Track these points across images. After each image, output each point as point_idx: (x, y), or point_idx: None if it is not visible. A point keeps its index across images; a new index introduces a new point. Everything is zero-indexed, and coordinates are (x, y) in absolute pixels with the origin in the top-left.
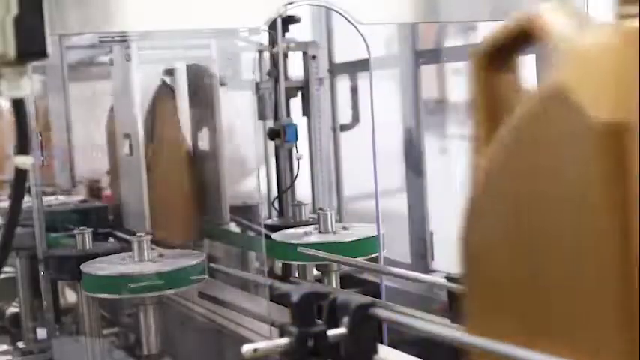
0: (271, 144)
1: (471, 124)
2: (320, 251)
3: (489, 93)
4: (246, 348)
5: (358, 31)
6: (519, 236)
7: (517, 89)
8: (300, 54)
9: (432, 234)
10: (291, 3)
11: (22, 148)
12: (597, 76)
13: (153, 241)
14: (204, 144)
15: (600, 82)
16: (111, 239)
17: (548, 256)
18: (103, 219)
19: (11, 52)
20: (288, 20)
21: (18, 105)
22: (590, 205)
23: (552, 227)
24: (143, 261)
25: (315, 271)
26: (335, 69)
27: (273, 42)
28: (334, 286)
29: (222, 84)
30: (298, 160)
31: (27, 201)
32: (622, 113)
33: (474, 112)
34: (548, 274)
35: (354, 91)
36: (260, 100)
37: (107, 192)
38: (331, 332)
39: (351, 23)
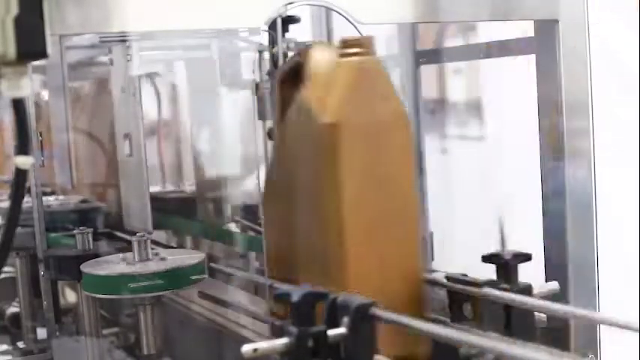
0: (271, 144)
1: (273, 123)
2: None
3: (284, 101)
4: (246, 348)
5: (358, 31)
6: (287, 203)
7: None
8: None
9: (431, 234)
10: (291, 3)
11: (22, 148)
12: (327, 94)
13: (153, 241)
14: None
15: (327, 97)
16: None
17: (304, 219)
18: (103, 219)
19: (11, 52)
20: (288, 20)
21: (18, 105)
22: (321, 179)
23: (304, 196)
24: (143, 261)
25: None
26: None
27: (273, 42)
28: None
29: (223, 84)
30: None
31: (27, 201)
32: (338, 118)
33: (275, 114)
34: (304, 231)
35: None
36: (260, 100)
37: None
38: (331, 332)
39: (351, 23)
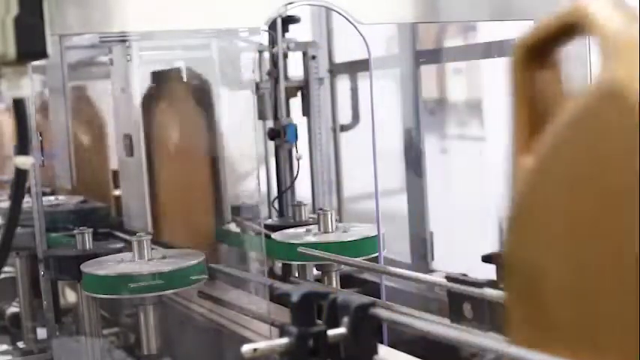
0: (271, 144)
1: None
2: (320, 251)
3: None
4: (246, 348)
5: (358, 31)
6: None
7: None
8: (300, 54)
9: (432, 234)
10: (291, 3)
11: (22, 148)
12: None
13: (153, 242)
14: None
15: None
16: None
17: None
18: (103, 219)
19: (11, 52)
20: (288, 20)
21: (18, 105)
22: None
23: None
24: (143, 261)
25: (315, 271)
26: (335, 69)
27: (273, 42)
28: (334, 286)
29: (223, 84)
30: (298, 160)
31: (27, 201)
32: None
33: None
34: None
35: (354, 91)
36: (260, 100)
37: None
38: (331, 332)
39: (351, 23)
